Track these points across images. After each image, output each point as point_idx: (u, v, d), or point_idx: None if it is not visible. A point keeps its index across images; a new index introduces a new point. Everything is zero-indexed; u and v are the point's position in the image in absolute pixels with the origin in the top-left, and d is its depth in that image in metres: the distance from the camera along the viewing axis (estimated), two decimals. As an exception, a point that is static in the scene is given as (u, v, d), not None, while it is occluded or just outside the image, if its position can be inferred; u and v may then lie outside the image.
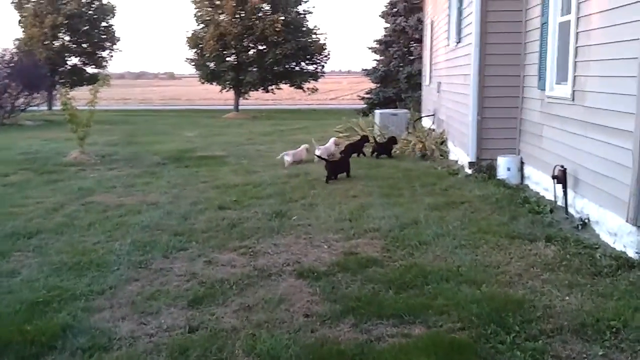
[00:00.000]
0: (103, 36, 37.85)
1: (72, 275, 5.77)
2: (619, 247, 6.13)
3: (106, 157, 13.87)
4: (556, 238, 6.47)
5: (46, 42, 35.41)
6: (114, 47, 38.43)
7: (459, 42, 11.77)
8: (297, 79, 34.85)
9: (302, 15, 35.14)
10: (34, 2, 36.17)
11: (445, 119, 13.68)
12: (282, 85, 36.08)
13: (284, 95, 49.53)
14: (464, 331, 4.43)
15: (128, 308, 5.04)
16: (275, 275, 5.74)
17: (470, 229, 6.86)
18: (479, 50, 9.93)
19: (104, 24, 37.83)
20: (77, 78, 35.55)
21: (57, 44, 36.45)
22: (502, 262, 5.84)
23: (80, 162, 12.92)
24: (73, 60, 37.86)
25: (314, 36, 34.99)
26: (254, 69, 34.05)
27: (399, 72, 26.33)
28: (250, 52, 34.27)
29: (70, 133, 14.07)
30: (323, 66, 35.67)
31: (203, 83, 36.00)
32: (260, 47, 34.24)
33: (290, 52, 33.31)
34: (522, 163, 9.75)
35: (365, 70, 28.77)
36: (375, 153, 12.77)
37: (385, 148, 12.83)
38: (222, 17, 33.30)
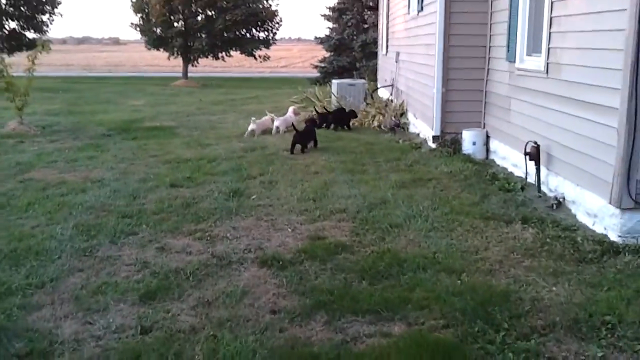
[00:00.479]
0: (42, -1, 35.99)
1: (7, 266, 5.15)
2: (599, 229, 5.83)
3: (47, 128, 12.98)
4: (532, 219, 6.14)
5: (-19, 5, 33.49)
6: (55, 10, 36.61)
7: (420, 10, 11.29)
8: (248, 46, 33.89)
9: (252, -19, 34.08)
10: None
11: (404, 90, 13.26)
12: (232, 53, 35.08)
13: (234, 63, 48.40)
14: (449, 329, 4.03)
15: (71, 304, 4.48)
16: (236, 263, 5.23)
17: (442, 210, 6.47)
18: (443, 20, 9.47)
19: (43, -14, 35.94)
20: (16, 43, 33.81)
21: (-7, 7, 34.51)
22: (480, 247, 5.47)
23: (18, 134, 12.02)
24: (11, 25, 35.92)
25: (265, 2, 33.99)
26: (203, 35, 32.93)
27: (353, 41, 25.79)
28: (199, 18, 33.10)
29: (7, 102, 13.09)
30: (275, 33, 34.80)
31: (149, 49, 34.70)
32: (209, 13, 33.10)
33: (241, 18, 32.31)
34: (487, 137, 9.41)
35: (319, 38, 28.13)
36: (333, 125, 12.27)
37: (343, 120, 12.34)
38: (169, -20, 31.97)
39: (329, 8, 27.57)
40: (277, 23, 34.46)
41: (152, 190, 7.54)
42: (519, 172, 8.06)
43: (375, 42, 23.33)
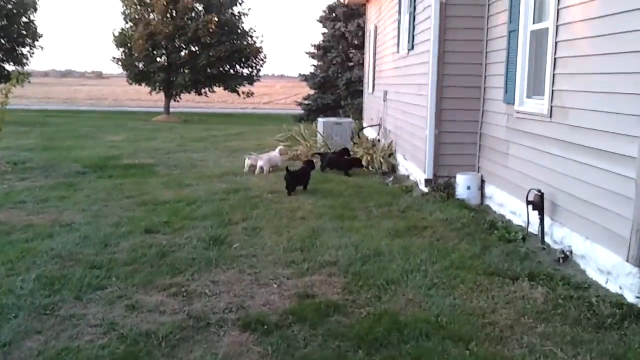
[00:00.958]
0: (23, 32, 35.44)
1: (-46, 327, 4.53)
2: (613, 288, 5.33)
3: (18, 164, 12.34)
4: (539, 275, 5.63)
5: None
6: (35, 43, 36.08)
7: (411, 49, 10.93)
8: (231, 82, 33.50)
9: (237, 17, 33.86)
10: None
11: (393, 130, 12.84)
12: (215, 88, 34.68)
13: (216, 99, 48.07)
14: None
15: (24, 377, 3.86)
16: (214, 326, 4.65)
17: (442, 263, 5.94)
18: (437, 59, 9.09)
19: (24, 19, 35.44)
20: (-6, 76, 33.12)
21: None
22: (487, 308, 4.93)
23: (-13, 170, 11.39)
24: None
25: (249, 39, 33.74)
26: (186, 71, 32.51)
27: (338, 79, 25.55)
28: (182, 53, 32.72)
29: (-23, 137, 12.47)
30: (259, 70, 34.47)
31: (131, 84, 34.19)
32: (192, 48, 32.74)
33: (225, 54, 31.97)
34: (482, 181, 8.96)
35: (303, 75, 27.88)
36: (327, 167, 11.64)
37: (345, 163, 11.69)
38: (152, 15, 31.65)
39: (314, 46, 27.40)
40: (261, 60, 34.19)
41: (125, 237, 6.95)
42: (518, 220, 7.59)
43: (360, 80, 23.09)
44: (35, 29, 35.91)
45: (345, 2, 21.23)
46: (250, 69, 34.36)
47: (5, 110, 12.41)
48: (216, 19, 31.53)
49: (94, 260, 6.07)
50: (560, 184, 6.46)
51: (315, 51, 27.47)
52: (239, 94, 34.31)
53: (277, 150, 11.97)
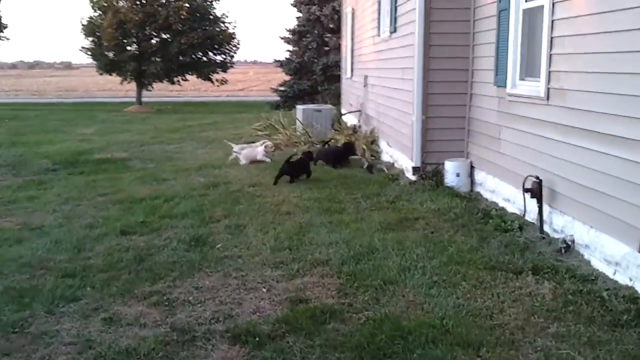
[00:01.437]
0: (-13, 23, 34.41)
1: None
2: (622, 279, 5.03)
3: (-16, 162, 11.78)
4: (544, 268, 5.31)
5: None
6: (1, 35, 35.05)
7: (394, 31, 10.53)
8: (204, 70, 32.83)
9: (208, 3, 33.12)
10: None
11: (375, 116, 12.46)
12: (188, 77, 33.99)
13: (189, 87, 47.30)
14: None
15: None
16: (201, 339, 4.25)
17: (439, 259, 5.59)
18: (422, 41, 8.69)
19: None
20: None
21: None
22: (493, 308, 4.60)
23: (-50, 170, 10.82)
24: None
25: (222, 25, 33.05)
26: (158, 59, 31.75)
27: (314, 64, 25.03)
28: (153, 41, 31.94)
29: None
30: (232, 56, 33.83)
31: (102, 74, 33.34)
32: (164, 36, 31.98)
33: (197, 41, 31.27)
34: (471, 167, 8.64)
35: (279, 61, 27.29)
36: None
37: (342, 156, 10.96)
38: (121, 3, 30.79)
39: (289, 30, 26.81)
40: (235, 46, 33.54)
41: (100, 240, 6.50)
42: (512, 208, 7.28)
43: (337, 64, 22.63)
44: (0, 19, 34.88)
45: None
46: (223, 56, 33.73)
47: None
48: (187, 5, 30.85)
49: (67, 268, 5.64)
50: (560, 170, 6.13)
51: (290, 36, 26.90)
52: (212, 82, 33.69)
53: (261, 146, 11.36)
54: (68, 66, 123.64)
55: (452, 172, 8.56)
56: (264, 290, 5.06)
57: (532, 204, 6.53)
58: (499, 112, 7.71)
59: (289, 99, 25.86)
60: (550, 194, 6.32)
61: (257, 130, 14.64)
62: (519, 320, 4.38)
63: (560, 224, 6.14)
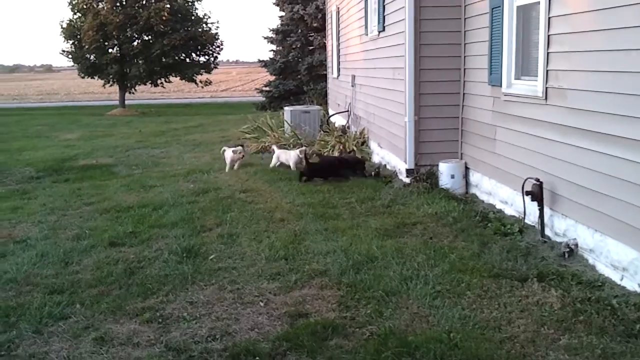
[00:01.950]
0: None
1: None
2: (630, 285, 4.89)
3: (-36, 171, 11.47)
4: (549, 275, 5.15)
5: None
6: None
7: (382, 30, 10.35)
8: (188, 71, 32.53)
9: (190, 3, 32.82)
10: None
11: (364, 117, 12.28)
12: (171, 78, 33.67)
13: (173, 88, 46.92)
14: None
15: None
16: (198, 359, 4.05)
17: (442, 267, 5.42)
18: (413, 40, 8.52)
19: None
20: None
21: None
22: (501, 319, 4.43)
23: None
24: None
25: (204, 25, 32.76)
26: (140, 61, 31.40)
27: (299, 63, 24.81)
28: (135, 43, 31.58)
29: None
30: (216, 57, 33.56)
31: (83, 77, 32.93)
32: (145, 38, 31.65)
33: (179, 42, 30.98)
34: (466, 168, 8.48)
35: (263, 61, 27.04)
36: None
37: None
38: (101, 5, 30.40)
39: (273, 30, 26.56)
40: (218, 47, 33.28)
41: (88, 252, 6.26)
42: (510, 210, 7.13)
43: (322, 64, 22.46)
44: (-22, 23, 34.36)
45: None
46: (207, 57, 33.46)
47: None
48: (168, 5, 30.55)
49: (54, 284, 5.40)
50: (561, 172, 5.98)
51: (274, 36, 26.66)
52: (196, 83, 33.42)
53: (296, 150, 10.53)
54: (49, 69, 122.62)
55: (446, 173, 8.40)
56: (262, 304, 4.86)
57: (532, 206, 6.38)
58: (493, 112, 7.56)
59: (274, 99, 25.65)
60: (551, 196, 6.17)
61: (245, 132, 14.41)
62: (529, 332, 4.22)
63: (562, 227, 5.99)
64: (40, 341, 4.38)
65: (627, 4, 4.88)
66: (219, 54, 33.63)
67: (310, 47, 24.72)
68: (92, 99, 43.47)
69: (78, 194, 9.15)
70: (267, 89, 26.82)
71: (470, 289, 4.95)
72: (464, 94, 8.55)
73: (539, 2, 6.33)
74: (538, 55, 6.35)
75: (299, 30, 25.23)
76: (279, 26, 26.42)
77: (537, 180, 6.20)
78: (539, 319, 4.40)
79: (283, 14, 26.37)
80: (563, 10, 5.88)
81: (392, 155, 9.83)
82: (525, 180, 6.38)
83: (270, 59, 26.67)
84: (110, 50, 31.27)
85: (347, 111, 14.00)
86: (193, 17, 32.68)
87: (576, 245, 5.70)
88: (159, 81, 32.86)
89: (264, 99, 27.04)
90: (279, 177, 9.57)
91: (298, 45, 25.16)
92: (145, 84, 33.04)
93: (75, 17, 31.20)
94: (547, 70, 6.19)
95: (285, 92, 25.40)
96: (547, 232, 6.22)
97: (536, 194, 6.18)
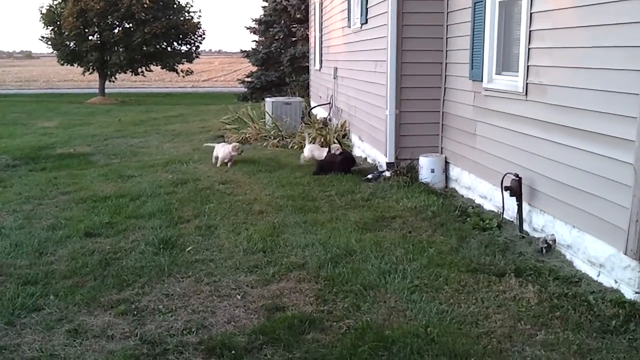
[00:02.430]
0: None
1: None
2: (607, 281, 4.92)
3: (-61, 158, 11.26)
4: (526, 270, 5.17)
5: None
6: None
7: (365, 23, 10.31)
8: (169, 60, 32.26)
9: (172, -9, 32.52)
10: None
11: (346, 109, 12.25)
12: (152, 67, 33.35)
13: (154, 77, 46.56)
14: None
15: None
16: (173, 352, 4.00)
17: (420, 261, 5.41)
18: (395, 33, 8.49)
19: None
20: None
21: None
22: (478, 314, 4.43)
23: None
24: None
25: (186, 14, 32.47)
26: (121, 49, 31.06)
27: (281, 55, 24.66)
28: (116, 31, 31.22)
29: None
30: (198, 47, 33.29)
31: (63, 64, 32.52)
32: (127, 25, 31.30)
33: (161, 31, 30.69)
34: (446, 163, 8.49)
35: (245, 52, 26.85)
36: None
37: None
38: (82, -9, 30.01)
39: (255, 20, 26.37)
40: (200, 36, 33.02)
41: (63, 243, 6.17)
42: (489, 205, 7.15)
43: (305, 56, 22.34)
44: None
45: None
46: (188, 46, 33.21)
47: None
48: (150, -7, 30.23)
49: (28, 274, 5.31)
50: (540, 168, 6.00)
51: (257, 26, 26.44)
52: (177, 73, 33.16)
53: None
54: (28, 56, 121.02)
55: (426, 168, 8.40)
56: (239, 297, 4.81)
57: (510, 202, 6.40)
58: (474, 107, 7.56)
59: (256, 90, 25.48)
60: (529, 192, 6.19)
61: (225, 123, 14.32)
62: (506, 328, 4.22)
63: (541, 223, 6.02)
64: (13, 333, 4.30)
65: (609, 1, 4.88)
66: (200, 43, 33.42)
67: (293, 39, 24.56)
68: (72, 87, 42.98)
69: (54, 183, 9.02)
70: (249, 79, 26.64)
71: (448, 284, 4.94)
72: (445, 88, 8.55)
73: (520, -3, 6.33)
74: (519, 51, 6.35)
75: (282, 21, 25.05)
76: (262, 16, 26.21)
77: (516, 175, 6.22)
78: (516, 315, 4.41)
79: (266, 4, 26.16)
80: (545, 7, 5.88)
81: (372, 148, 9.81)
82: (505, 175, 6.39)
83: (252, 49, 26.47)
84: (90, 38, 30.90)
85: (329, 103, 13.95)
86: (175, 6, 32.38)
87: (554, 241, 5.73)
88: (139, 70, 32.56)
89: (245, 89, 26.86)
90: (259, 169, 9.52)
91: (281, 36, 24.99)
92: (125, 73, 32.72)
93: (56, 3, 30.81)
94: (527, 66, 6.20)
95: (267, 83, 25.25)
96: (526, 227, 6.25)
97: (515, 190, 6.20)
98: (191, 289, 4.98)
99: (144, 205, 7.53)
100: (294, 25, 24.46)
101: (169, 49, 32.76)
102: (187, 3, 32.92)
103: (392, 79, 8.55)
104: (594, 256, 5.11)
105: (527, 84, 6.21)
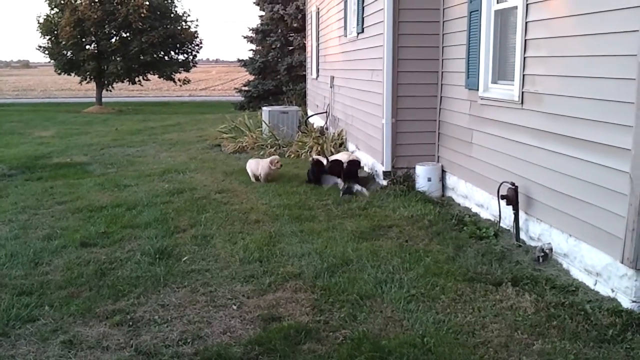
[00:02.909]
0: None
1: None
2: (604, 290, 4.91)
3: None
4: (523, 279, 5.16)
5: None
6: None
7: (361, 32, 10.34)
8: (166, 69, 32.25)
9: (169, 1, 32.53)
10: None
11: (342, 118, 12.26)
12: (150, 76, 33.35)
13: (151, 86, 46.57)
14: None
15: None
16: (169, 363, 3.98)
17: (416, 270, 5.40)
18: (392, 42, 8.50)
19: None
20: None
21: None
22: (475, 324, 4.42)
23: None
24: None
25: (184, 23, 32.51)
26: (118, 59, 31.06)
27: (278, 64, 24.70)
28: (113, 40, 31.21)
29: None
30: (195, 56, 33.31)
31: (60, 74, 32.50)
32: (124, 35, 31.31)
33: (158, 40, 30.69)
34: (443, 171, 8.49)
35: (242, 60, 26.88)
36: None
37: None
38: (79, 0, 30.03)
39: (252, 29, 26.41)
40: (197, 45, 33.05)
41: (59, 253, 6.15)
42: (486, 214, 7.15)
43: (302, 65, 22.39)
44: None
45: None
46: (185, 55, 33.21)
47: None
48: (147, 2, 30.26)
49: (23, 285, 5.29)
50: (536, 177, 6.00)
51: (254, 35, 26.49)
52: (175, 82, 33.15)
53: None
54: (26, 65, 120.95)
55: (423, 176, 8.40)
56: (234, 307, 4.80)
57: (507, 210, 6.40)
58: (470, 116, 7.57)
59: (253, 99, 25.50)
60: (526, 200, 6.18)
61: (223, 132, 14.32)
62: (502, 337, 4.21)
63: (537, 231, 6.01)
64: (7, 344, 4.27)
65: (605, 10, 4.89)
66: (197, 52, 33.40)
67: (290, 48, 24.61)
68: (69, 96, 42.95)
69: (50, 193, 9.00)
70: (246, 88, 26.65)
71: (444, 293, 4.93)
72: (441, 97, 8.56)
73: (516, 7, 6.35)
74: (515, 60, 6.37)
75: (279, 30, 25.10)
76: (259, 26, 26.27)
77: (513, 184, 6.22)
78: (513, 324, 4.40)
79: (263, 13, 26.22)
80: (540, 15, 5.89)
81: (369, 157, 9.81)
82: (501, 184, 6.39)
83: (249, 58, 26.51)
84: (87, 47, 30.86)
85: (326, 112, 13.96)
86: (172, 15, 32.39)
87: (550, 249, 5.73)
88: (136, 79, 32.52)
89: (243, 98, 26.86)
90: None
91: (278, 45, 25.04)
92: (122, 82, 32.69)
93: (53, 12, 30.78)
94: (523, 75, 6.21)
95: (264, 92, 25.28)
96: (522, 236, 6.24)
97: (511, 198, 6.20)
98: (187, 299, 4.96)
99: (140, 214, 7.51)
100: (291, 35, 24.51)
101: (166, 58, 32.75)
102: (184, 12, 32.89)
103: (389, 87, 8.56)
104: (590, 265, 5.10)
105: (522, 92, 6.22)
